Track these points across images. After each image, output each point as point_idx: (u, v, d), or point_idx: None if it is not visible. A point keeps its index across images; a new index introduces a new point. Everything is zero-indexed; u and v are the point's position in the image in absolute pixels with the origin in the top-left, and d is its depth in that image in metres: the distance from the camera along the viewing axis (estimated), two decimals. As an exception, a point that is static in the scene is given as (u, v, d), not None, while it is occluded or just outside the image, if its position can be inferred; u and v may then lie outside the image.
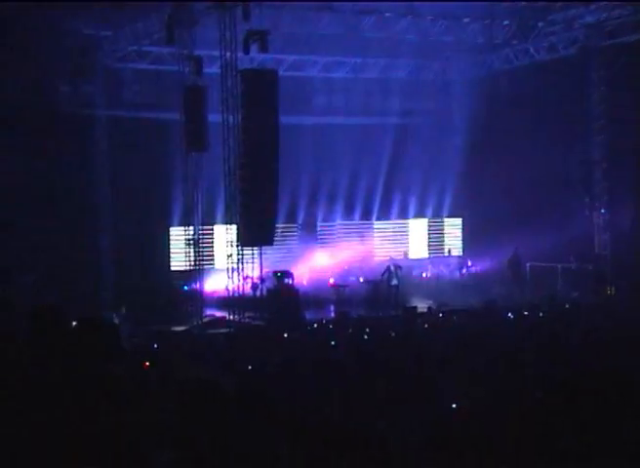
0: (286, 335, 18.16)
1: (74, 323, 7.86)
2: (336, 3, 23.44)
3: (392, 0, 23.79)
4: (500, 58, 29.11)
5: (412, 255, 31.17)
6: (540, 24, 25.97)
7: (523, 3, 24.97)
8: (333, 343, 16.42)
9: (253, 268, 22.77)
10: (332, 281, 26.04)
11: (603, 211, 26.38)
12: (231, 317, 22.55)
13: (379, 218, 30.98)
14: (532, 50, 27.65)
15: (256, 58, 23.83)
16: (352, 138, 29.61)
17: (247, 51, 22.22)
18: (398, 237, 31.45)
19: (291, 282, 24.24)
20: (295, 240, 29.41)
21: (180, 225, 25.71)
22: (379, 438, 6.33)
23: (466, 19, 25.26)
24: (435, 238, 32.18)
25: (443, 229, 32.31)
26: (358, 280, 26.60)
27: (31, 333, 5.06)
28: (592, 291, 25.03)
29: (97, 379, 3.66)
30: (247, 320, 22.35)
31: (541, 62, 27.45)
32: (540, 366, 10.52)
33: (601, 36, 25.51)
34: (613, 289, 25.11)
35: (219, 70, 22.74)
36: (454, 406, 8.62)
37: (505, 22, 25.86)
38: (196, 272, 24.26)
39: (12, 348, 4.67)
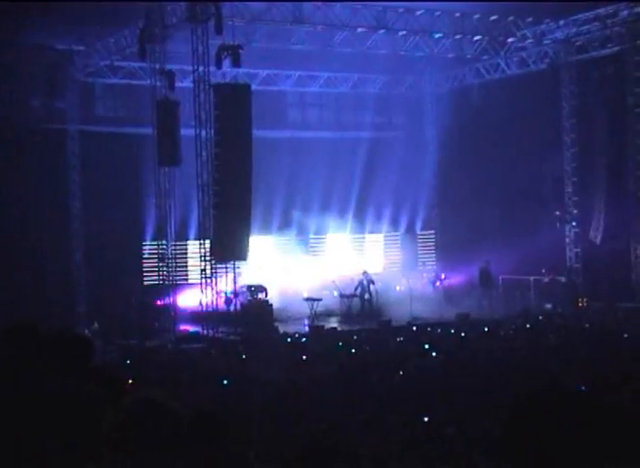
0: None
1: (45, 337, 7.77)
2: (307, 15, 23.38)
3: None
4: (472, 72, 29.37)
5: (385, 269, 31.18)
6: (511, 40, 26.23)
7: (493, 18, 25.21)
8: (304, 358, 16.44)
9: (226, 283, 22.72)
10: (305, 295, 25.98)
11: (574, 224, 26.60)
12: (205, 332, 22.44)
13: (352, 232, 30.96)
14: (502, 64, 27.94)
15: (228, 72, 23.83)
16: (326, 152, 29.62)
17: (219, 65, 22.22)
18: (370, 250, 31.45)
19: (264, 296, 24.18)
20: (268, 253, 29.31)
21: (153, 240, 25.57)
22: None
23: (438, 35, 25.40)
24: (408, 251, 32.15)
25: (416, 242, 32.36)
26: (332, 293, 26.57)
27: (3, 349, 4.98)
28: (565, 303, 25.19)
29: (62, 399, 3.49)
30: (221, 335, 22.24)
31: (513, 77, 27.73)
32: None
33: (571, 51, 25.81)
34: (585, 300, 25.29)
35: (191, 84, 22.74)
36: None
37: (477, 38, 26.03)
38: (169, 287, 24.16)
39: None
